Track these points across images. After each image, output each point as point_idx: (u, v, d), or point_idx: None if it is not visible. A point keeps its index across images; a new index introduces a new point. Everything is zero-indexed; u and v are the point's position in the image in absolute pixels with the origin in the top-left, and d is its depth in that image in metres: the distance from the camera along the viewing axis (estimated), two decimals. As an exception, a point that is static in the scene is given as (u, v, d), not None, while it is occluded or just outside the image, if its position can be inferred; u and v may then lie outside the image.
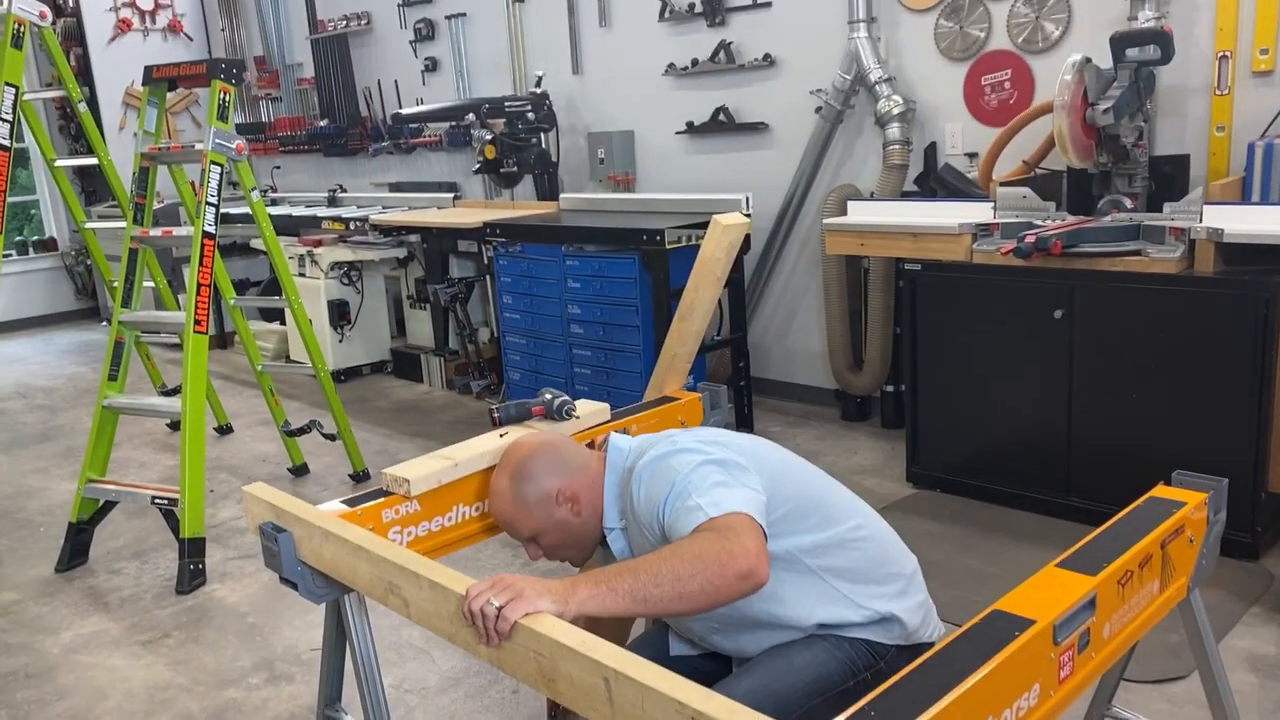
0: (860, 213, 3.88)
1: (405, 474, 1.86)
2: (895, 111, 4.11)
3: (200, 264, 3.42)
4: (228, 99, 3.49)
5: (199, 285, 3.41)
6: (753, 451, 1.68)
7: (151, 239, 3.61)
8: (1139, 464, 3.06)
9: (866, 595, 1.66)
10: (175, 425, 4.92)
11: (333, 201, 6.80)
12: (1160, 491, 1.63)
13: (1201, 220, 2.99)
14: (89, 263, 8.22)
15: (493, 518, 1.84)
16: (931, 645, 1.66)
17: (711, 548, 1.42)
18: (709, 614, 1.62)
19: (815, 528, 1.65)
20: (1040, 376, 3.30)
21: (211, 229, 3.45)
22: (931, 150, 4.13)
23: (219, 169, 3.47)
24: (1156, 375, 3.05)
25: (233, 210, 6.10)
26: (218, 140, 3.45)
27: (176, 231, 3.67)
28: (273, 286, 6.99)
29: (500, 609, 1.28)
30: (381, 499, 1.84)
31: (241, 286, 6.86)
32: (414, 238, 5.62)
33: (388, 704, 1.80)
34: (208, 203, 3.44)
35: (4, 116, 3.81)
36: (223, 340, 6.96)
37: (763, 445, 1.76)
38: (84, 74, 7.72)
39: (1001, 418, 3.46)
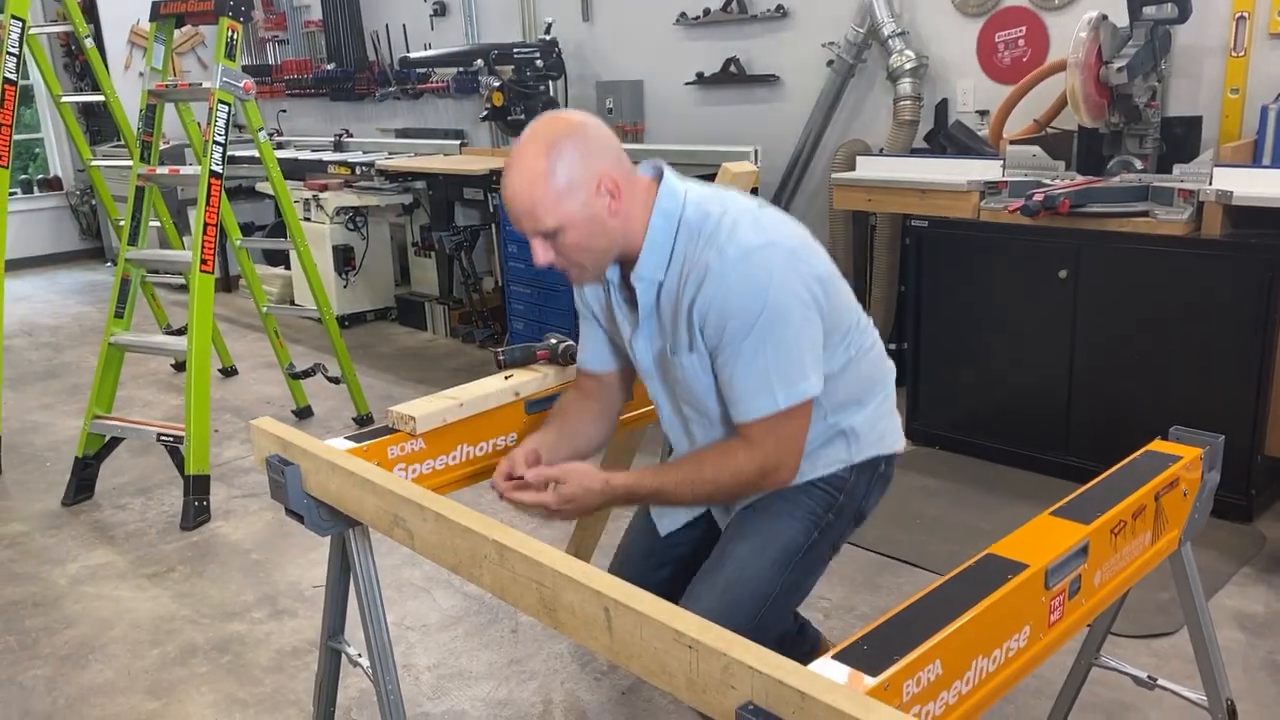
0: (869, 168, 3.87)
1: (411, 412, 1.88)
2: (907, 67, 4.08)
3: (207, 204, 3.41)
4: (235, 37, 3.46)
5: (205, 225, 3.41)
6: (830, 277, 1.59)
7: (158, 177, 3.60)
8: (1138, 425, 3.06)
9: (845, 415, 1.69)
10: (180, 365, 4.95)
11: (338, 146, 6.76)
12: (1157, 446, 1.64)
13: (1211, 183, 2.98)
14: (94, 202, 8.20)
15: (511, 210, 1.52)
16: (892, 457, 1.79)
17: (755, 465, 1.55)
18: None
19: (830, 359, 1.62)
20: (1043, 336, 3.31)
21: (218, 168, 3.44)
22: (943, 107, 4.10)
23: (226, 108, 3.45)
24: (1159, 337, 3.05)
25: (239, 153, 6.07)
26: (225, 79, 3.43)
27: (183, 170, 3.67)
28: (278, 230, 6.96)
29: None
30: (387, 436, 1.87)
31: (247, 230, 6.82)
32: (420, 184, 5.60)
33: (390, 637, 1.84)
34: (215, 142, 3.43)
35: (10, 50, 3.79)
36: (227, 284, 6.97)
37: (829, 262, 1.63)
38: (89, 12, 7.64)
39: (1003, 377, 3.47)
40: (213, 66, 3.51)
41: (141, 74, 3.74)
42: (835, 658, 1.10)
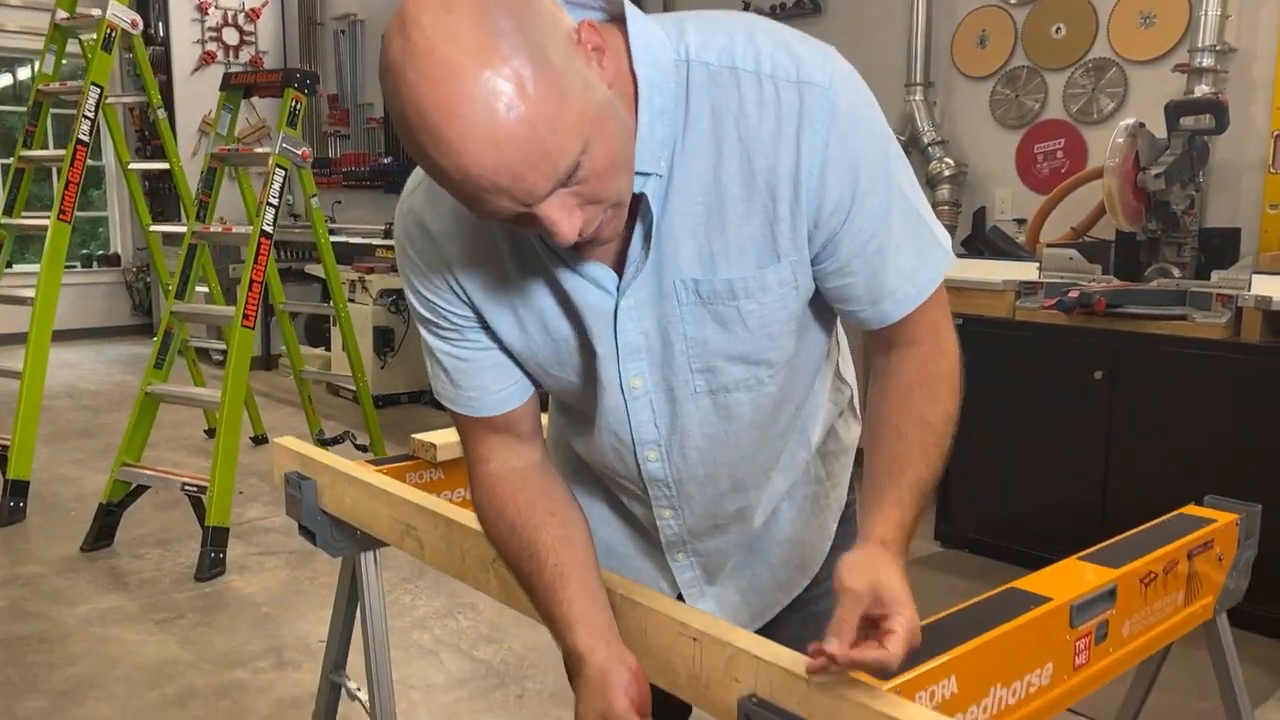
0: (905, 267, 3.89)
1: (432, 439, 1.88)
2: (946, 174, 4.16)
3: (255, 261, 3.51)
4: (299, 107, 3.62)
5: (251, 281, 3.50)
6: None
7: (211, 235, 3.72)
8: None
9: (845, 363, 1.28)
10: (212, 432, 5.00)
11: (388, 234, 6.95)
12: (1190, 509, 1.60)
13: (1250, 289, 2.96)
14: (149, 279, 8.45)
15: (493, 184, 0.81)
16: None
17: (955, 366, 1.10)
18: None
19: None
20: (1077, 439, 3.26)
21: (269, 228, 3.55)
22: (980, 214, 4.16)
23: (283, 172, 3.58)
24: (1196, 442, 2.99)
25: (289, 238, 6.27)
26: (285, 145, 3.57)
27: (235, 229, 3.78)
28: (321, 314, 7.12)
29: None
30: (407, 462, 1.86)
31: (292, 316, 7.01)
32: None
33: (392, 673, 1.79)
34: (268, 203, 3.55)
35: (87, 114, 3.98)
36: (267, 362, 7.09)
37: None
38: (166, 101, 8.03)
39: (1036, 480, 3.41)
40: (274, 134, 3.66)
41: (205, 135, 3.89)
42: (847, 662, 1.06)
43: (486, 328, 1.07)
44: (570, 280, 1.00)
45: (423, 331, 1.11)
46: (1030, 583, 1.28)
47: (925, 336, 1.07)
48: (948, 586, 3.32)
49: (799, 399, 1.15)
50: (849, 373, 1.29)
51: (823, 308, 1.09)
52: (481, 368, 1.09)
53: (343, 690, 1.96)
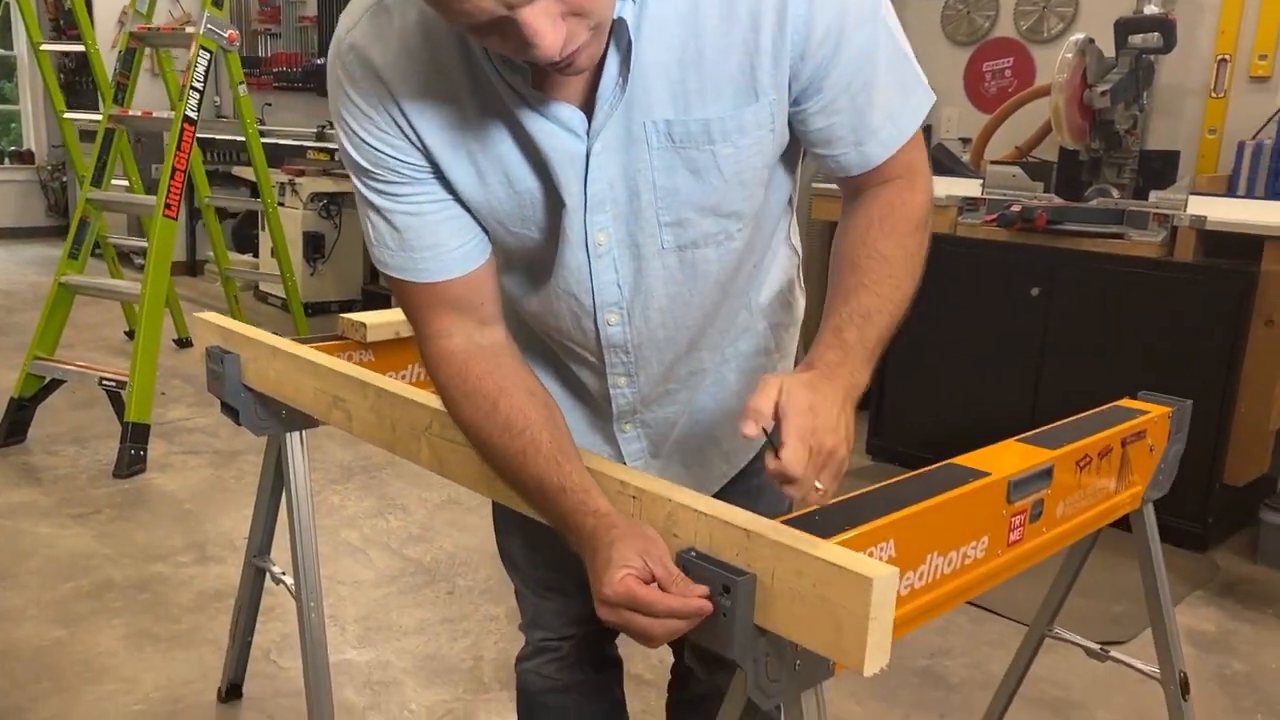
0: (849, 182, 3.87)
1: (363, 319, 1.81)
2: (894, 90, 4.11)
3: (178, 148, 3.34)
4: (225, -14, 3.42)
5: (173, 170, 3.33)
6: None
7: (130, 119, 3.53)
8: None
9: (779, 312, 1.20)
10: (133, 334, 4.82)
11: (320, 137, 6.70)
12: (1125, 402, 1.61)
13: (1186, 209, 3.00)
14: (64, 179, 8.07)
15: None
16: None
17: (928, 200, 1.05)
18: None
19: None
20: (1012, 354, 3.29)
21: (193, 114, 3.37)
22: (926, 132, 4.12)
23: (208, 55, 3.40)
24: (1126, 358, 3.04)
25: (215, 136, 6.01)
26: (210, 25, 3.38)
27: (156, 113, 3.59)
28: (249, 221, 6.87)
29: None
30: (335, 341, 1.79)
31: (219, 215, 6.76)
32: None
33: (318, 552, 1.75)
34: (192, 87, 3.36)
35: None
36: (192, 267, 6.85)
37: None
38: (82, -13, 7.58)
39: (969, 393, 3.44)
40: (199, 13, 3.46)
41: (124, 13, 3.67)
42: (786, 524, 1.04)
43: (440, 178, 0.97)
44: (535, 123, 0.92)
45: (362, 189, 1.00)
46: (970, 459, 1.27)
47: (900, 175, 1.03)
48: (878, 497, 3.37)
49: (759, 255, 1.11)
50: (797, 239, 1.25)
51: (790, 158, 1.05)
52: (437, 221, 0.98)
53: (267, 576, 1.92)
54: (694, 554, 0.94)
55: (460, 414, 1.03)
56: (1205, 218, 2.90)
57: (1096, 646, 1.70)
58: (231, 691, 2.05)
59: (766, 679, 0.95)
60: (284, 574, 1.82)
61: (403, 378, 1.89)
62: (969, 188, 3.49)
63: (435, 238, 0.99)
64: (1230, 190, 3.18)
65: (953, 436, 3.43)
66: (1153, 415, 1.54)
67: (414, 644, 2.30)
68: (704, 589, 0.91)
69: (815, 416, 0.85)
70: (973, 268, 3.37)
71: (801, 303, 1.30)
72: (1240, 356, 2.85)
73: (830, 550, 0.88)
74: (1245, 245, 2.87)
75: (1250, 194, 3.12)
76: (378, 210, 0.99)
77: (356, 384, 1.40)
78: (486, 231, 1.02)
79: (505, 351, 1.04)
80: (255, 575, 1.93)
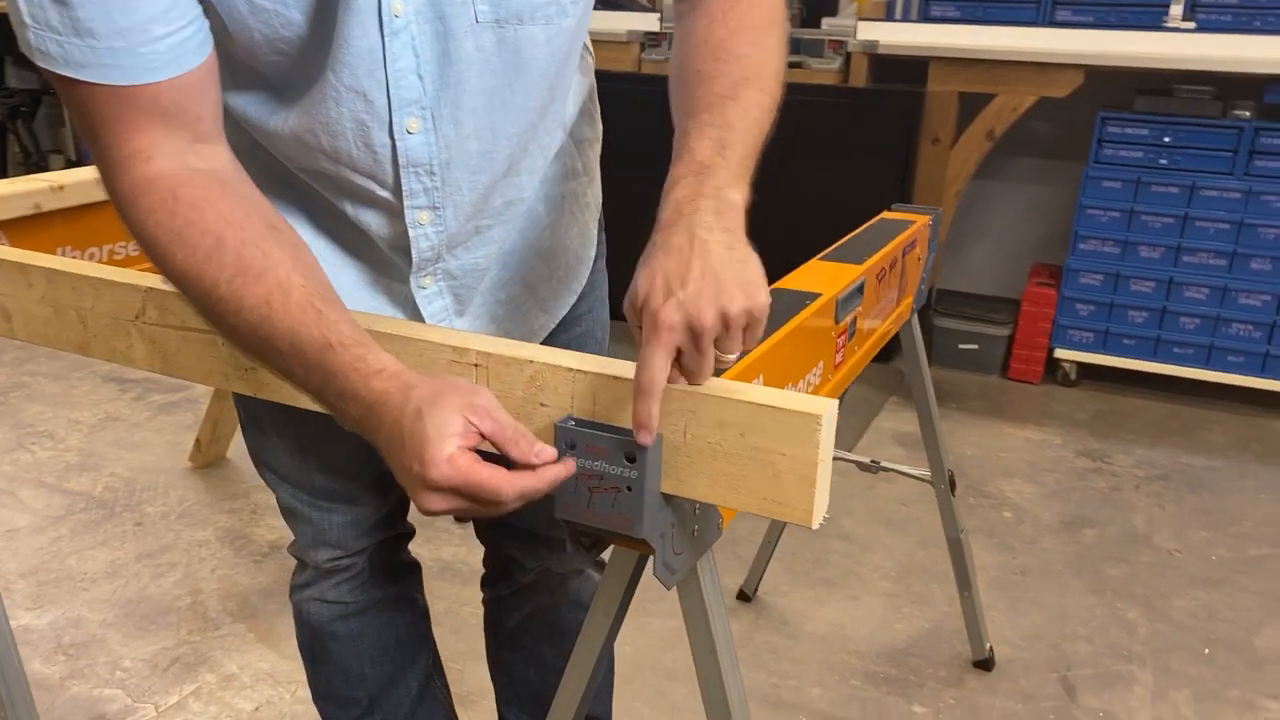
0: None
1: (-19, 190, 1.36)
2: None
3: None
4: None
5: None
6: None
7: None
8: (787, 268, 3.18)
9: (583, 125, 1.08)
10: None
11: None
12: (889, 214, 1.59)
13: (856, 35, 3.08)
14: None
15: None
16: None
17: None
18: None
19: None
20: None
21: None
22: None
23: None
24: (810, 182, 3.14)
25: None
26: None
27: None
28: None
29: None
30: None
31: None
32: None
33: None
34: None
35: None
36: None
37: None
38: None
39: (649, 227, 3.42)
40: None
41: None
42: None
43: None
44: None
45: None
46: (794, 281, 1.18)
47: None
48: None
49: (579, 48, 0.90)
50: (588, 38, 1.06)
51: None
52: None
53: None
54: (573, 422, 0.75)
55: (171, 263, 0.73)
56: (877, 42, 3.00)
57: (868, 460, 1.74)
58: None
59: (673, 554, 0.80)
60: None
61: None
62: (648, 22, 3.37)
63: (130, 19, 0.67)
64: (888, 15, 3.32)
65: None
66: (919, 224, 1.54)
67: (107, 591, 1.91)
68: (552, 450, 0.72)
69: (679, 288, 0.73)
70: (660, 106, 3.28)
71: (599, 120, 1.12)
72: (913, 172, 3.03)
73: (759, 392, 0.73)
74: (911, 68, 3.02)
75: (906, 17, 3.27)
76: None
77: (10, 268, 1.02)
78: (208, 16, 0.72)
79: (232, 175, 0.76)
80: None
